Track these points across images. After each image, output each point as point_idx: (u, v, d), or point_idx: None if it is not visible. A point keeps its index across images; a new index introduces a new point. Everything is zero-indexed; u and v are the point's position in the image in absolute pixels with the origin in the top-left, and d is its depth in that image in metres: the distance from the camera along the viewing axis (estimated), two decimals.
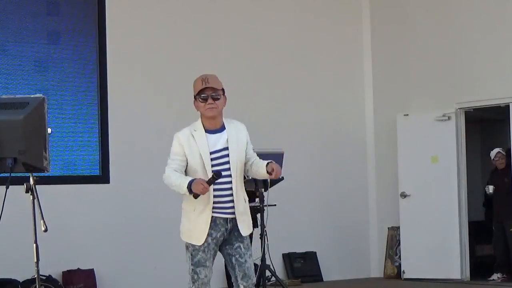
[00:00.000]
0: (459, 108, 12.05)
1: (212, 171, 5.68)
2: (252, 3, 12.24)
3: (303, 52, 12.55)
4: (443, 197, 11.96)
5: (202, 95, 5.81)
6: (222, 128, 5.87)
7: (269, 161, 5.80)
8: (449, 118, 12.00)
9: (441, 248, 11.91)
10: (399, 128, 12.44)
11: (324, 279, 12.37)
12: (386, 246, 12.70)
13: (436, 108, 12.15)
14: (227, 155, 5.77)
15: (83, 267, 10.42)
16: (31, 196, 5.34)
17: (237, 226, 5.74)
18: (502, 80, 11.60)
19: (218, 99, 5.81)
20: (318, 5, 12.82)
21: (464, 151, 12.04)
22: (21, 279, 9.72)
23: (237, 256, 5.75)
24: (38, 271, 5.47)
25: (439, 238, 11.95)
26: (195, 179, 5.62)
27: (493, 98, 11.69)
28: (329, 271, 12.44)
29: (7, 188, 5.26)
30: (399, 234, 12.45)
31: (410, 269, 12.22)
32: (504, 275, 11.85)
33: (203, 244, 5.69)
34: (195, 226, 5.72)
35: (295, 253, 12.18)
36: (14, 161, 5.33)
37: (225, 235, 5.75)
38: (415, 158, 12.22)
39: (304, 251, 12.27)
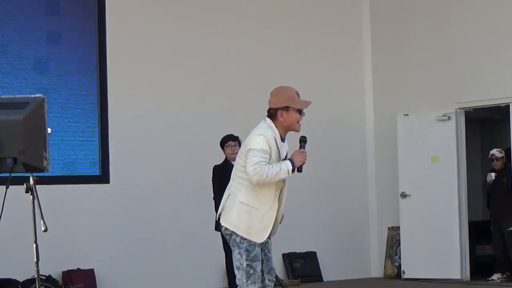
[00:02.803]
0: (459, 108, 12.05)
1: (301, 136, 5.93)
2: (252, 4, 12.23)
3: (303, 52, 12.55)
4: (443, 197, 11.96)
5: (301, 109, 5.93)
6: (284, 138, 6.03)
7: None
8: (449, 118, 12.00)
9: (441, 248, 11.91)
10: (399, 128, 12.44)
11: (324, 279, 12.37)
12: (386, 246, 12.70)
13: (436, 108, 12.14)
14: None
15: (83, 267, 10.42)
16: (31, 196, 5.35)
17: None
18: (502, 80, 11.60)
19: None
20: (319, 6, 12.82)
21: (464, 151, 12.04)
22: (21, 279, 9.71)
23: (266, 251, 5.97)
24: (38, 271, 5.47)
25: (439, 238, 11.95)
26: (288, 159, 5.82)
27: (493, 98, 11.68)
28: (329, 271, 12.44)
29: (7, 188, 5.27)
30: (399, 234, 12.44)
31: (410, 269, 12.22)
32: (504, 275, 11.85)
33: None
34: (259, 224, 5.81)
35: (295, 253, 12.18)
36: (14, 161, 5.33)
37: None
38: (415, 158, 12.22)
39: (304, 251, 12.27)
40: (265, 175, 5.68)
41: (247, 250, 5.78)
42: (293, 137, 6.15)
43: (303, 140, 5.86)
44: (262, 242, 5.89)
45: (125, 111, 10.97)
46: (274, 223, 5.96)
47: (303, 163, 5.78)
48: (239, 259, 5.79)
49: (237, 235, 5.81)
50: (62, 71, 10.62)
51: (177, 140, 11.34)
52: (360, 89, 13.12)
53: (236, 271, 5.81)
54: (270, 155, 5.77)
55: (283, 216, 6.07)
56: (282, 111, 5.87)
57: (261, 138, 5.78)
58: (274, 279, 6.00)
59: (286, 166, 5.72)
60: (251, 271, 5.76)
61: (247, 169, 5.74)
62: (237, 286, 5.85)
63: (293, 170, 5.74)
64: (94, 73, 10.81)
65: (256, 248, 5.80)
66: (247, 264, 5.76)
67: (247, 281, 5.76)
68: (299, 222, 12.24)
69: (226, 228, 5.89)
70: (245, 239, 5.78)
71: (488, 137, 14.38)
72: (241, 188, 5.85)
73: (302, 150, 5.83)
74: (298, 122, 5.89)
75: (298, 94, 5.93)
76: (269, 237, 5.97)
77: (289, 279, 11.88)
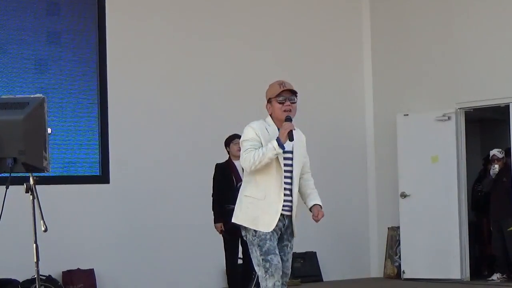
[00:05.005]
0: (459, 108, 12.05)
1: (286, 116, 5.89)
2: (252, 4, 12.23)
3: (303, 52, 12.55)
4: (443, 197, 11.96)
5: (279, 98, 5.94)
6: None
7: (318, 203, 6.49)
8: (449, 118, 12.00)
9: (441, 248, 11.91)
10: (399, 128, 12.44)
11: (324, 279, 12.37)
12: (386, 246, 12.70)
13: (436, 108, 12.15)
14: (291, 158, 6.01)
15: (83, 267, 10.42)
16: (31, 196, 5.34)
17: (292, 225, 6.17)
18: (502, 80, 11.60)
19: (294, 102, 6.00)
20: (318, 6, 12.82)
21: (464, 151, 12.04)
22: (21, 279, 9.71)
23: (282, 254, 6.10)
24: (38, 271, 5.47)
25: (439, 238, 11.95)
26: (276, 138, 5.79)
27: (493, 98, 11.69)
28: (329, 271, 12.44)
29: (7, 188, 5.26)
30: (399, 234, 12.44)
31: (410, 269, 12.22)
32: (504, 275, 11.85)
33: (269, 232, 5.88)
34: (265, 213, 5.89)
35: (295, 253, 12.06)
36: (14, 161, 5.33)
37: (282, 230, 6.06)
38: (415, 158, 12.22)
39: (304, 251, 12.26)
40: (252, 158, 5.76)
41: (259, 245, 5.87)
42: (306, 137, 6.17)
43: (287, 119, 5.88)
44: (280, 245, 6.02)
45: (125, 111, 10.97)
46: (291, 221, 6.09)
47: (291, 130, 5.78)
48: (256, 256, 5.90)
49: (249, 233, 5.90)
50: (62, 71, 10.62)
51: (177, 140, 11.34)
52: (360, 89, 13.12)
53: (256, 269, 5.92)
54: (261, 143, 5.83)
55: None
56: (269, 105, 6.00)
57: (247, 129, 5.92)
58: (286, 283, 6.11)
59: (270, 144, 5.77)
60: (267, 265, 5.85)
61: (240, 160, 5.87)
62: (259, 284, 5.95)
63: (281, 146, 5.75)
64: (94, 73, 10.81)
65: (268, 242, 5.88)
66: (262, 259, 5.86)
67: (265, 275, 5.86)
68: (299, 222, 12.20)
69: (241, 229, 5.99)
70: (255, 235, 5.86)
71: (488, 137, 14.38)
72: (245, 184, 6.01)
73: (284, 125, 5.83)
74: (284, 110, 5.93)
75: (281, 84, 5.95)
76: (289, 241, 6.14)
77: (289, 279, 11.87)
